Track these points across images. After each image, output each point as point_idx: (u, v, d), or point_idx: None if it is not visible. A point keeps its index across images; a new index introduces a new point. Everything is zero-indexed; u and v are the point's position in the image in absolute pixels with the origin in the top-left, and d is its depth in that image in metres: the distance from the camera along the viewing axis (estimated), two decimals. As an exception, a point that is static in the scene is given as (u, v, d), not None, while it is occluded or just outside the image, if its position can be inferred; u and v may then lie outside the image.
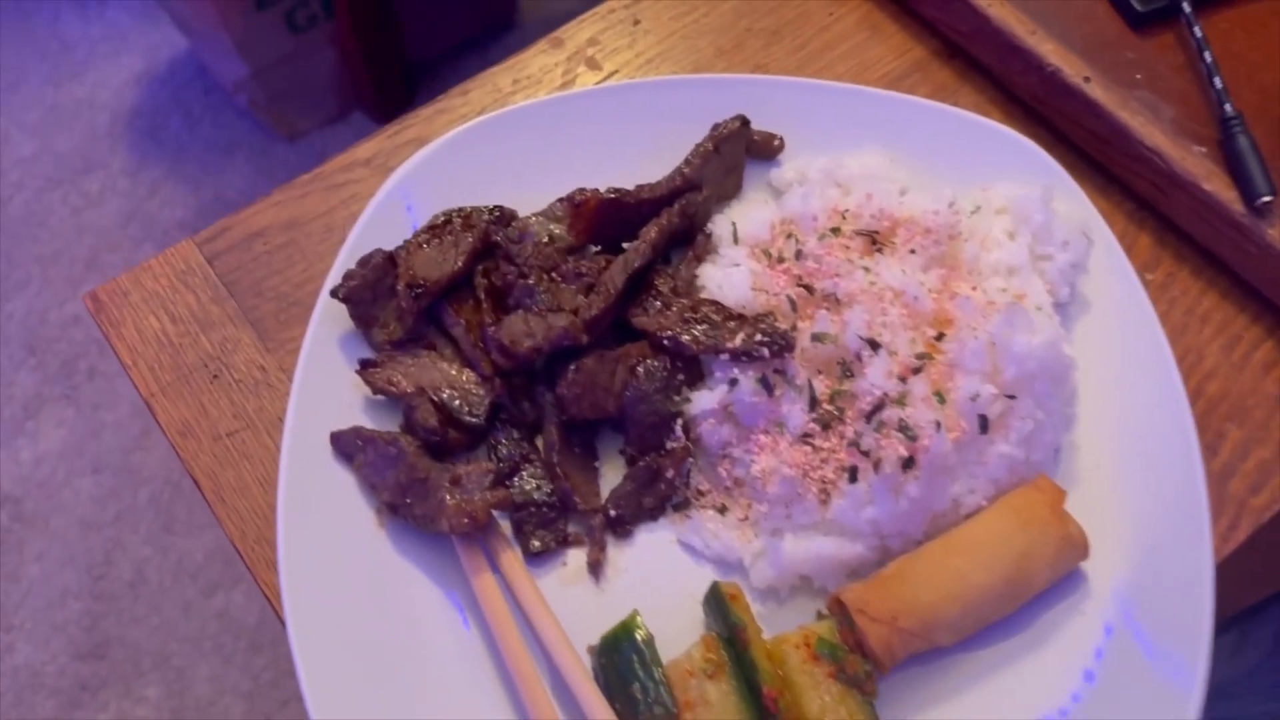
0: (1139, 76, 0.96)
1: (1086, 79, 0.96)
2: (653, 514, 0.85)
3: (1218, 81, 0.93)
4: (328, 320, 0.88)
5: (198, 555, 2.28)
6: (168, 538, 2.31)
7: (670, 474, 0.84)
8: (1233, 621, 1.79)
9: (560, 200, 0.91)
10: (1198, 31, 0.95)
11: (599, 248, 0.92)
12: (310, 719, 0.75)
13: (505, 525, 0.84)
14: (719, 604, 0.78)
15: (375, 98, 2.62)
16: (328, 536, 0.81)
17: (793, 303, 0.86)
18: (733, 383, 0.83)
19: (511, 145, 0.95)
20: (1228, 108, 0.92)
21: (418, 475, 0.81)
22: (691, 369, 0.87)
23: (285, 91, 2.64)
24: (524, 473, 0.84)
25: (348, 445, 0.83)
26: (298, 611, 0.77)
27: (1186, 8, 0.96)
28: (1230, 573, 1.24)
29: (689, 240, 0.92)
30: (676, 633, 0.78)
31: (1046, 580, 0.79)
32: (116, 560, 2.32)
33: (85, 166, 2.80)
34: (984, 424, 0.80)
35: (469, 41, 2.64)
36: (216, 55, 2.64)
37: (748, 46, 1.07)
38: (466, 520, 0.78)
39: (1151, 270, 0.96)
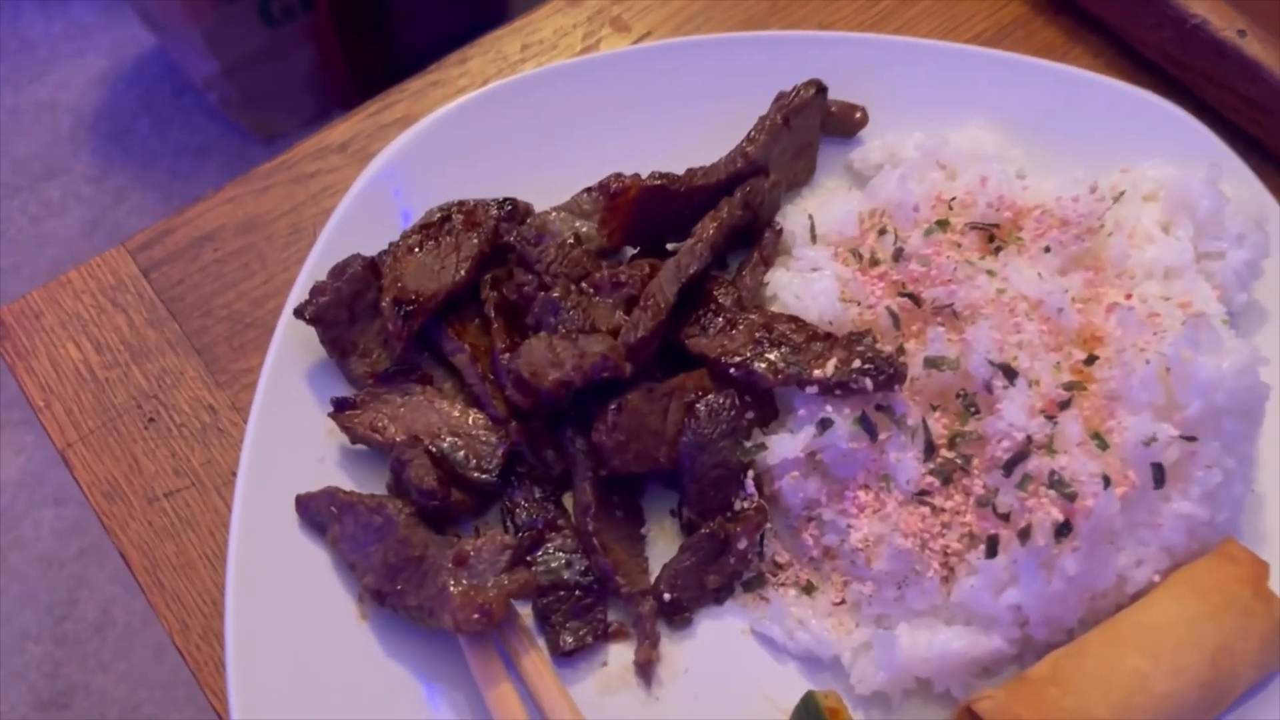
0: (1306, 28, 0.77)
1: (1241, 32, 0.77)
2: (718, 596, 0.65)
3: None
4: (293, 347, 0.69)
5: (171, 594, 2.09)
6: (137, 575, 2.12)
7: (742, 544, 0.64)
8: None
9: (589, 190, 0.72)
10: (1380, -29, 0.76)
11: (637, 250, 0.72)
12: None
13: (526, 613, 0.65)
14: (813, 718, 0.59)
15: (357, 98, 2.43)
16: (292, 635, 0.62)
17: (895, 317, 0.66)
18: (824, 424, 0.63)
19: (523, 122, 0.76)
20: None
21: (411, 553, 0.61)
22: (765, 406, 0.67)
23: (260, 90, 2.46)
24: (550, 545, 0.65)
25: (319, 512, 0.64)
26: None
27: (1363, -57, 0.77)
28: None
29: (753, 239, 0.72)
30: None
31: (1250, 680, 0.60)
32: (81, 600, 2.13)
33: (46, 172, 2.61)
34: (1159, 475, 0.61)
35: (459, 38, 2.46)
36: (185, 51, 2.46)
37: (808, 3, 0.87)
38: (478, 616, 0.59)
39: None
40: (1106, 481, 0.59)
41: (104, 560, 2.15)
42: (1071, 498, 0.59)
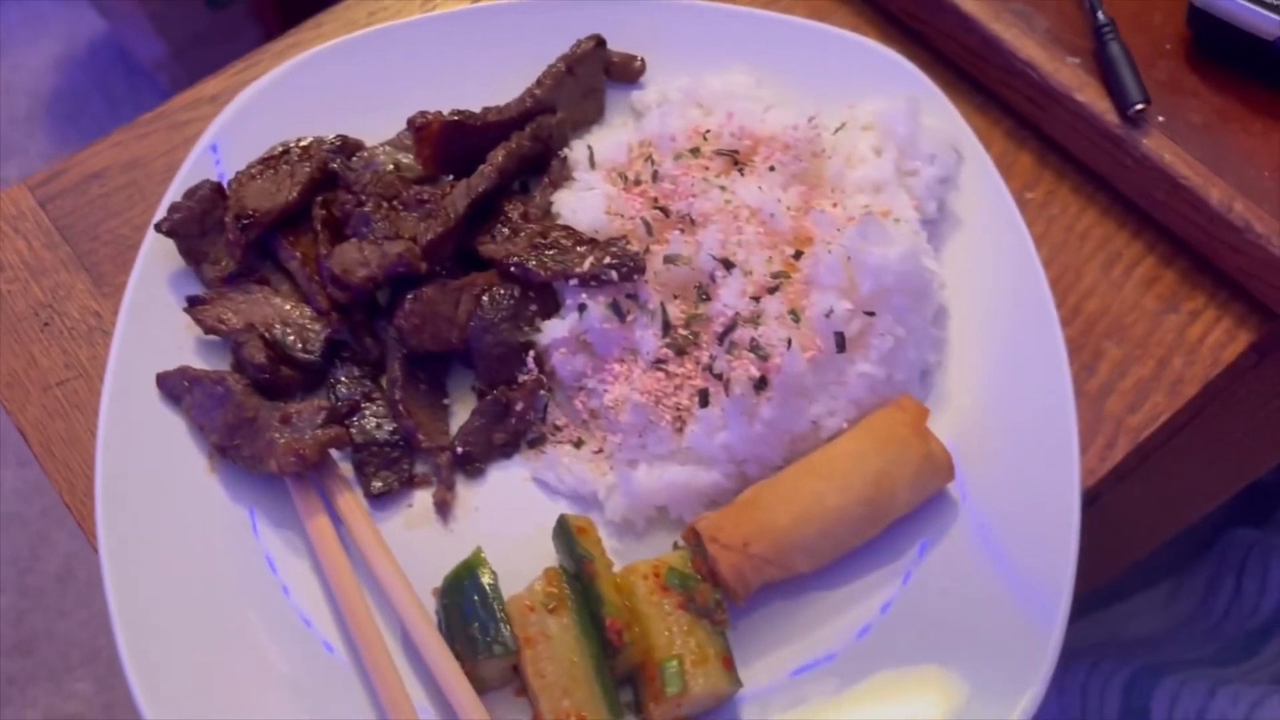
0: (1013, -12, 0.92)
1: (958, -9, 0.92)
2: (505, 450, 0.81)
3: (1091, -12, 0.90)
4: (157, 258, 0.83)
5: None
6: (96, 531, 2.25)
7: (521, 407, 0.80)
8: (1167, 572, 1.77)
9: (407, 129, 0.86)
10: (1070, -62, 0.92)
11: (452, 178, 0.87)
12: (127, 674, 0.70)
13: (348, 469, 0.80)
14: (566, 537, 0.74)
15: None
16: (152, 482, 0.76)
17: (648, 225, 0.82)
18: (582, 309, 0.79)
19: (355, 76, 0.91)
20: (1100, 15, 0.89)
21: (245, 415, 0.76)
22: (545, 299, 0.82)
23: (208, 70, 2.58)
24: (366, 411, 0.80)
25: (174, 386, 0.79)
26: (115, 561, 0.73)
27: (1060, -85, 0.92)
28: (1127, 507, 1.22)
29: (545, 167, 0.87)
30: (529, 572, 0.74)
31: (908, 502, 0.76)
32: (43, 555, 2.26)
33: (2, 152, 2.72)
34: (841, 342, 0.76)
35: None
36: (135, 35, 2.57)
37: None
38: (295, 459, 0.74)
39: (1032, 189, 0.93)
40: (789, 343, 0.75)
41: (65, 518, 2.28)
42: (765, 358, 0.75)
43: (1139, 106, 0.86)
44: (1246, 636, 1.57)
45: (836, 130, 0.86)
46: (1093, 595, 1.80)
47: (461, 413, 0.82)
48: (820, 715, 0.70)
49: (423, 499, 0.80)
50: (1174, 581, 1.75)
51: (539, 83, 0.88)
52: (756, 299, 0.77)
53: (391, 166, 0.85)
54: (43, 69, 2.86)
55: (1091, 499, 1.36)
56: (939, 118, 0.87)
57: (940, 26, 0.95)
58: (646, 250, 0.80)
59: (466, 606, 0.71)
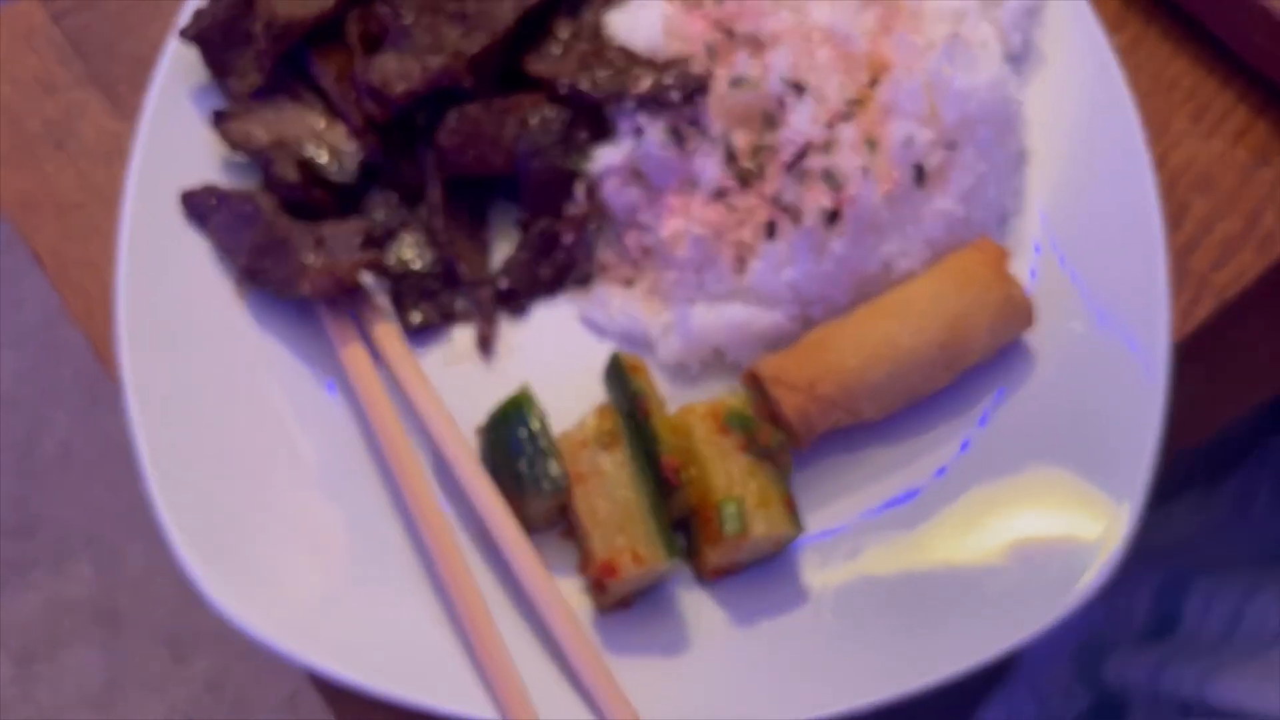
0: None
1: None
2: (550, 287, 0.75)
3: None
4: (179, 73, 0.77)
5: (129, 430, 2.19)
6: (95, 412, 2.22)
7: (569, 240, 0.74)
8: (1201, 480, 1.74)
9: (449, -60, 0.80)
10: None
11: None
12: (152, 498, 0.66)
13: (385, 301, 0.75)
14: (619, 375, 0.70)
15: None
16: (176, 309, 0.71)
17: (711, 50, 0.76)
18: (638, 133, 0.73)
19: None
20: None
21: (277, 235, 0.71)
22: (596, 125, 0.76)
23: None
24: (404, 240, 0.74)
25: (200, 205, 0.73)
26: (140, 392, 0.68)
27: None
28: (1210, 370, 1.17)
29: (598, -11, 0.81)
30: (576, 413, 0.69)
31: (987, 347, 0.71)
32: (41, 438, 2.23)
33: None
34: (920, 174, 0.71)
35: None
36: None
37: None
38: (330, 281, 0.69)
39: (1119, 32, 0.86)
40: (865, 173, 0.69)
41: (64, 398, 2.25)
42: (838, 188, 0.69)
43: (1245, -63, 0.79)
44: (1289, 537, 1.53)
45: (915, -45, 0.79)
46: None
47: (504, 248, 0.77)
48: (895, 555, 0.66)
49: (463, 335, 0.75)
50: (1208, 487, 1.73)
51: (594, -110, 0.80)
52: (830, 125, 0.72)
53: (432, -19, 0.78)
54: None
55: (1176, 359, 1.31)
56: (1027, -53, 0.81)
57: None
58: (710, 74, 0.74)
59: (513, 442, 0.67)
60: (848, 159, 0.70)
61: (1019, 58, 0.80)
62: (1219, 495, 1.71)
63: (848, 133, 0.71)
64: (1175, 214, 0.81)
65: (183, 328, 0.71)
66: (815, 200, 0.70)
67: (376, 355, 0.72)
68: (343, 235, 0.71)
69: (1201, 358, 1.12)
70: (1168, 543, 1.70)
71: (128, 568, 2.09)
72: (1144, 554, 1.73)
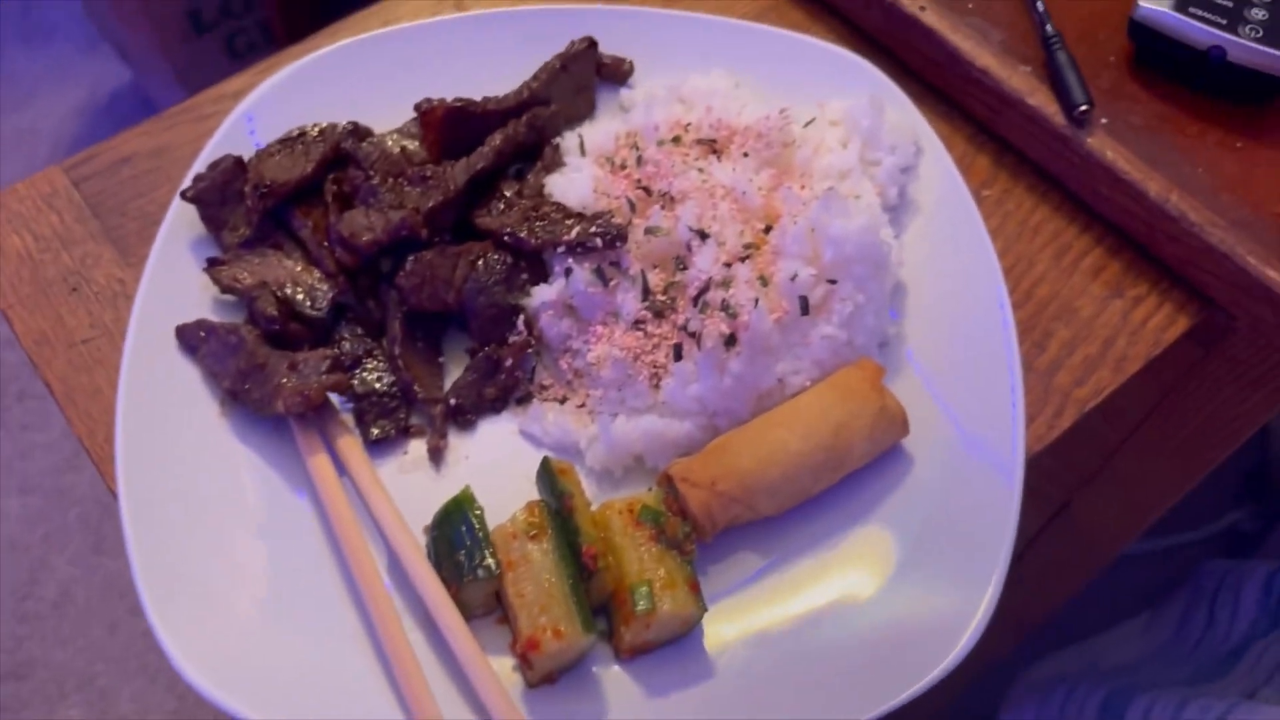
0: (970, 5, 1.01)
1: (922, 8, 1.01)
2: (495, 405, 0.87)
3: (1040, 5, 0.98)
4: (181, 227, 0.91)
5: (127, 574, 2.26)
6: (96, 557, 2.30)
7: (510, 364, 0.86)
8: (1144, 604, 1.82)
9: (414, 116, 0.94)
10: (1022, -38, 1.01)
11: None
12: (140, 595, 0.76)
13: (350, 418, 0.86)
14: (548, 476, 0.80)
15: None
16: (167, 424, 0.83)
17: (631, 204, 0.89)
18: (568, 273, 0.86)
19: (369, 73, 0.99)
20: (1048, 28, 0.98)
21: (257, 362, 0.83)
22: (536, 268, 0.89)
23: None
24: (367, 366, 0.86)
25: (191, 337, 0.85)
26: (133, 497, 0.79)
27: (1013, -58, 1.02)
28: (1094, 512, 1.27)
29: (539, 154, 0.95)
30: (513, 511, 0.79)
31: (866, 453, 0.82)
32: (42, 580, 2.30)
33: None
34: (805, 305, 0.83)
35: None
36: (158, 84, 2.67)
37: (610, -7, 1.12)
38: (300, 399, 0.80)
39: (989, 186, 1.00)
40: (756, 303, 0.82)
41: (66, 544, 2.33)
42: (734, 316, 0.82)
43: (1083, 108, 0.94)
44: (1219, 659, 1.61)
45: (806, 124, 0.94)
46: (1073, 627, 1.84)
47: (455, 371, 0.89)
48: (786, 632, 0.75)
49: (417, 448, 0.86)
50: (1150, 612, 1.80)
51: (535, 77, 0.96)
52: (729, 265, 0.84)
53: (399, 150, 0.93)
54: (66, 115, 2.97)
55: (1061, 506, 1.42)
56: (900, 114, 0.95)
57: (907, 40, 1.03)
58: (629, 223, 0.88)
59: (455, 536, 0.77)
60: (743, 292, 0.82)
61: (897, 208, 0.93)
62: (1160, 618, 1.79)
63: (743, 271, 0.84)
64: (1041, 339, 0.93)
65: (173, 441, 0.82)
66: (715, 327, 0.82)
67: (341, 465, 0.83)
68: (313, 361, 0.83)
69: (1089, 495, 1.24)
70: (1115, 664, 1.77)
71: (119, 709, 2.13)
72: (1092, 674, 1.81)
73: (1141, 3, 0.95)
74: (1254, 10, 0.93)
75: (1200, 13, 0.94)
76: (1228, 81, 0.95)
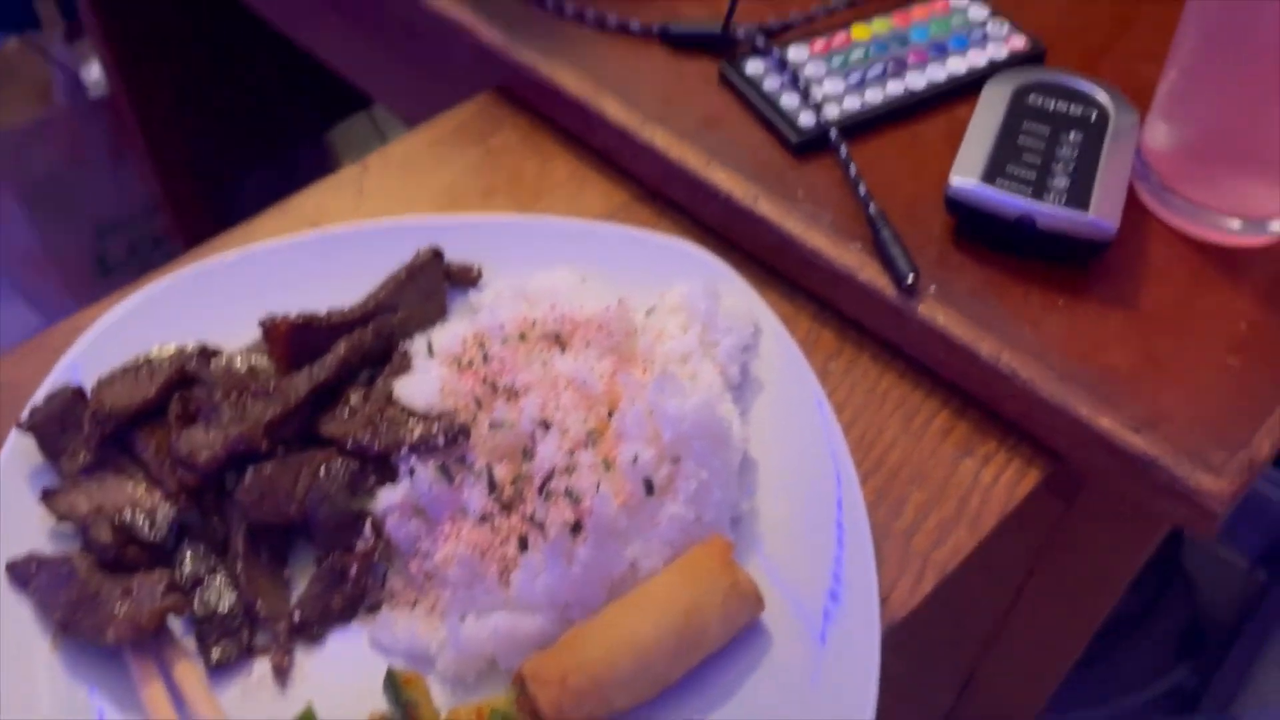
0: (800, 192, 1.07)
1: (755, 198, 1.06)
2: (343, 616, 0.84)
3: (862, 188, 1.04)
4: (18, 457, 0.89)
5: None
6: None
7: (354, 571, 0.84)
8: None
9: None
10: (843, 151, 1.07)
11: (303, 376, 0.95)
12: None
13: (191, 643, 0.83)
14: (393, 687, 0.77)
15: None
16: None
17: (478, 400, 0.90)
18: (412, 473, 0.85)
19: (208, 297, 1.00)
20: (873, 208, 1.03)
21: (89, 591, 0.80)
22: (386, 472, 0.89)
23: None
24: (209, 585, 0.84)
25: (22, 572, 0.83)
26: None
27: (834, 135, 1.09)
28: (996, 680, 1.26)
29: (388, 361, 0.96)
30: (361, 727, 0.76)
31: (721, 633, 0.80)
32: None
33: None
34: (649, 486, 0.83)
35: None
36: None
37: (466, 204, 1.16)
38: (131, 628, 0.77)
39: (835, 359, 1.03)
40: (599, 486, 0.81)
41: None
42: (578, 501, 0.81)
43: (910, 278, 0.98)
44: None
45: (648, 313, 0.97)
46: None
47: (304, 584, 0.86)
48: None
49: (262, 667, 0.82)
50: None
51: (383, 287, 0.98)
52: (572, 452, 0.85)
53: (246, 367, 0.93)
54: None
55: (965, 680, 1.39)
56: (737, 297, 0.99)
57: (744, 231, 1.08)
58: (474, 419, 0.88)
59: (294, 759, 0.73)
60: (586, 478, 0.82)
61: (741, 385, 0.95)
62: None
63: (586, 457, 0.84)
64: (896, 505, 0.93)
65: (5, 676, 0.78)
66: (560, 515, 0.81)
67: (178, 695, 0.79)
68: (149, 586, 0.80)
69: (989, 666, 1.23)
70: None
71: None
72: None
73: (953, 179, 1.01)
74: (1057, 179, 1.00)
75: (1007, 184, 1.00)
76: (1042, 245, 1.00)
